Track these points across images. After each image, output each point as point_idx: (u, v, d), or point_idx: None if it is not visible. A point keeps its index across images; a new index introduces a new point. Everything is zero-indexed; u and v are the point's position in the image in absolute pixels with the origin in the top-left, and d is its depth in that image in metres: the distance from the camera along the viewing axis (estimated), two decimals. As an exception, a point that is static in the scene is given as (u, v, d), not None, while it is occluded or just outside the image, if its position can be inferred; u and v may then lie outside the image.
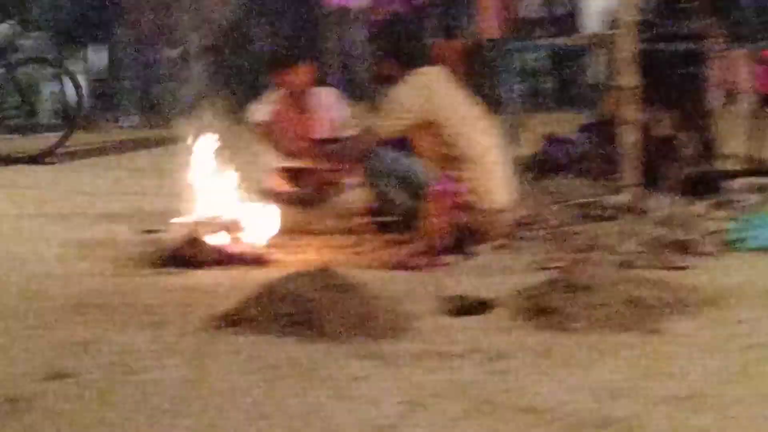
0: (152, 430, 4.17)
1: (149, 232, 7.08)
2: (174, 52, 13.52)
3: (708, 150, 8.39)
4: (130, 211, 7.95)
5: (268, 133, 7.73)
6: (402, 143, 6.94)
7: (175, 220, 7.05)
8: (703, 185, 8.01)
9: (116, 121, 14.79)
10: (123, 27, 13.72)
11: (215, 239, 6.80)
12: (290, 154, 7.67)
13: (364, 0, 13.24)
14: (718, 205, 7.62)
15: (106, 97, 14.87)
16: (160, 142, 11.64)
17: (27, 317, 5.71)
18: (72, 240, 7.45)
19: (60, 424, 4.22)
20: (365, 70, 11.00)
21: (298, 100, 7.79)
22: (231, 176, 7.28)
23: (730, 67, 11.72)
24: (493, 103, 8.46)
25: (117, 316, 5.67)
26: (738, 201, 7.73)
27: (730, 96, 12.29)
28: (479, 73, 12.70)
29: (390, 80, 6.87)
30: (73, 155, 12.43)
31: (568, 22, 12.76)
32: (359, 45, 12.78)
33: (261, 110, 7.91)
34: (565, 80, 13.10)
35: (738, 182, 8.22)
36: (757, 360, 4.76)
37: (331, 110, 7.89)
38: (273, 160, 7.86)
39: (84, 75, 14.57)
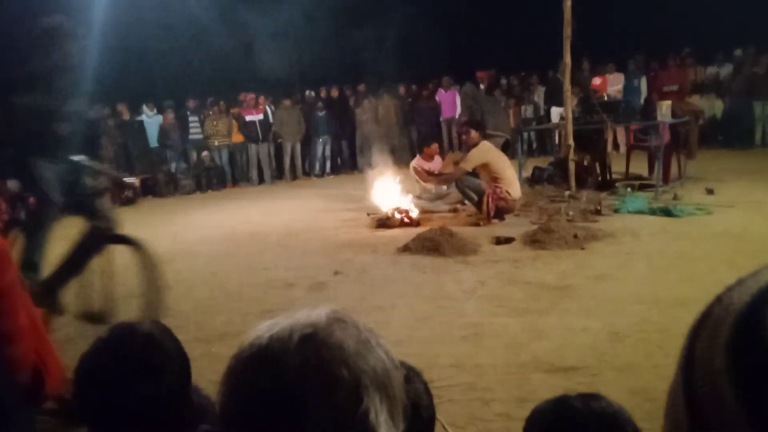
0: (380, 294, 4.27)
1: (372, 214, 6.98)
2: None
3: (605, 170, 8.04)
4: (361, 206, 7.60)
5: (417, 171, 7.63)
6: (474, 173, 6.74)
7: (383, 208, 6.97)
8: (604, 185, 7.70)
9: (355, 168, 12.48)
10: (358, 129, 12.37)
11: (398, 215, 6.73)
12: (424, 180, 7.59)
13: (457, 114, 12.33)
14: (611, 194, 7.31)
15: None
16: (377, 177, 11.07)
17: (323, 250, 5.81)
18: (339, 219, 7.40)
19: (340, 293, 4.39)
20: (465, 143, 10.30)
21: (429, 157, 7.69)
22: (403, 188, 7.21)
23: (615, 134, 11.01)
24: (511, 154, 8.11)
25: (358, 248, 5.74)
26: (620, 191, 7.37)
27: (616, 146, 11.53)
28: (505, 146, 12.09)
29: (470, 147, 6.68)
30: (322, 186, 11.55)
31: (545, 118, 12.32)
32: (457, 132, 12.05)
33: (414, 162, 7.80)
34: (542, 141, 12.50)
35: (620, 183, 7.84)
36: (630, 259, 4.65)
37: (444, 161, 7.71)
38: (419, 181, 7.73)
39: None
